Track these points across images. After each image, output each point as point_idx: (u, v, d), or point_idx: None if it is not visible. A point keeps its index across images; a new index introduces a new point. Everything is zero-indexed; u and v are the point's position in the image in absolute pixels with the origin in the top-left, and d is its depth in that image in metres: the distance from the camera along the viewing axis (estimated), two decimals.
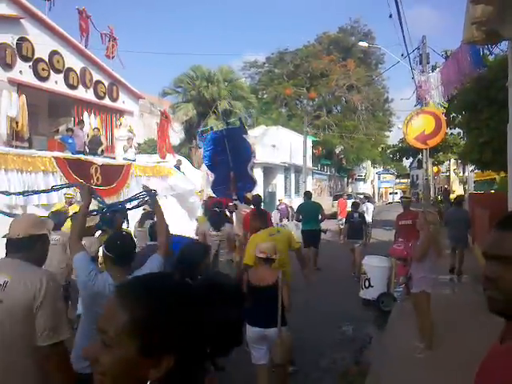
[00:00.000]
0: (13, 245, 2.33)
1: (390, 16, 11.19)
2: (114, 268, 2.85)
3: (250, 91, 29.63)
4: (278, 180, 27.49)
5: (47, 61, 13.91)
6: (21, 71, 13.01)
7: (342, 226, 14.15)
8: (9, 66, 12.55)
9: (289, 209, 19.55)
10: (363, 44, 27.32)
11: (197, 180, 17.60)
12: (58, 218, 6.19)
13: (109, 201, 11.05)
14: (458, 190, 26.89)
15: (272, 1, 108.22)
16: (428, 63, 15.13)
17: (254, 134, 21.53)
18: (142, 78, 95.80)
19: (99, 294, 2.71)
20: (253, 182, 9.96)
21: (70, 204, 9.10)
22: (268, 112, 38.40)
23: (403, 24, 10.97)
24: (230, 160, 9.05)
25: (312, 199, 11.56)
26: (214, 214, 6.67)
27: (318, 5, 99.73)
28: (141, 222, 7.45)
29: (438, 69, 12.31)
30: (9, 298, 2.11)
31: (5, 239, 2.42)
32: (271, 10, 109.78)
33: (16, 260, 2.27)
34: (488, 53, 8.63)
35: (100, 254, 4.75)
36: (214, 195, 9.64)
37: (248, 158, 9.60)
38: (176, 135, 23.54)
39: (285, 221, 18.21)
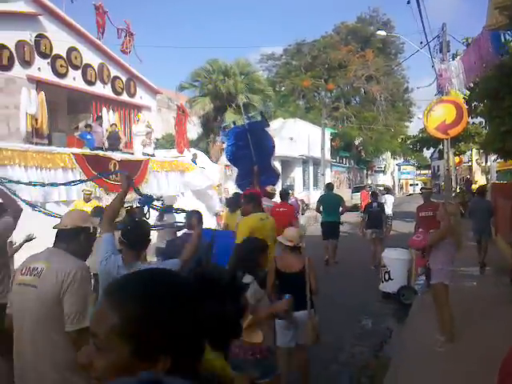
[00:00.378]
0: (60, 235, 2.55)
1: (408, 2, 10.97)
2: (127, 252, 3.01)
3: (268, 84, 29.42)
4: (297, 173, 27.34)
5: (65, 57, 14.06)
6: (39, 68, 13.17)
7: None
8: (27, 63, 12.72)
9: (299, 202, 19.36)
10: (381, 33, 26.81)
11: (214, 174, 17.63)
12: (99, 213, 6.24)
13: (128, 197, 11.22)
14: (480, 180, 26.32)
15: None
16: (448, 51, 14.74)
17: (271, 127, 21.40)
18: (159, 72, 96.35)
19: (109, 274, 2.84)
20: (276, 176, 10.02)
21: (89, 200, 9.19)
22: (286, 105, 38.18)
23: (422, 11, 10.73)
24: (253, 154, 9.11)
25: (332, 191, 11.44)
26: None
27: None
28: (160, 217, 7.54)
29: (458, 57, 11.99)
30: (42, 284, 2.32)
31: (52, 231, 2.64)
32: (288, 1, 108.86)
33: (59, 250, 2.49)
34: (510, 39, 8.32)
35: None
36: (238, 190, 9.68)
37: (271, 151, 9.65)
38: (194, 129, 23.59)
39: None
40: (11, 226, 3.87)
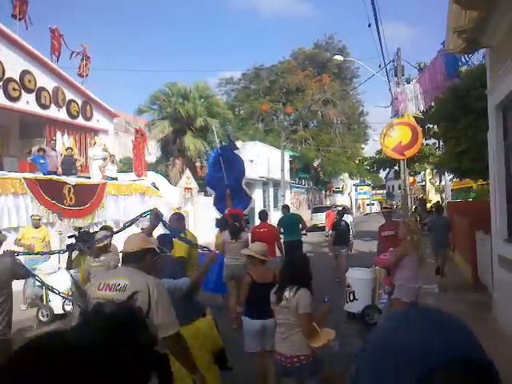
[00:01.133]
0: (128, 257, 2.80)
1: (369, 25, 11.37)
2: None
3: (227, 107, 29.61)
4: (257, 195, 27.33)
5: (18, 81, 13.57)
6: None
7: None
8: None
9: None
10: (339, 58, 27.55)
11: (174, 197, 17.37)
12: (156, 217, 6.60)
13: (84, 221, 10.80)
14: (434, 198, 27.24)
15: (247, 18, 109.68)
16: (403, 75, 15.32)
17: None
18: (117, 96, 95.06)
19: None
20: (248, 199, 10.17)
21: (37, 227, 8.75)
22: (245, 128, 38.50)
23: (381, 33, 11.12)
24: (225, 177, 9.44)
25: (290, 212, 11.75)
26: (233, 226, 7.64)
27: (293, 21, 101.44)
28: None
29: (413, 80, 12.45)
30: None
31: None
32: (246, 27, 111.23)
33: (132, 268, 2.73)
34: (462, 64, 8.72)
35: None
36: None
37: (242, 174, 9.86)
38: (153, 153, 23.27)
39: None
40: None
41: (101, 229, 6.64)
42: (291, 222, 10.72)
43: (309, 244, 17.26)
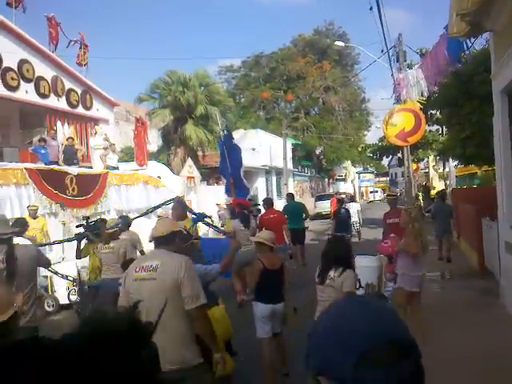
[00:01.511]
0: (158, 241, 3.06)
1: (371, 8, 11.25)
2: None
3: (227, 95, 29.36)
4: (260, 183, 27.31)
5: (16, 70, 13.42)
6: None
7: None
8: None
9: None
10: (339, 43, 27.21)
11: (177, 187, 17.30)
12: (126, 220, 7.04)
13: (86, 211, 10.75)
14: (438, 185, 27.10)
15: (245, 4, 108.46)
16: (405, 61, 15.10)
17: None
18: (117, 85, 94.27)
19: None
20: (247, 189, 10.40)
21: (35, 217, 8.72)
22: (246, 116, 38.28)
23: (382, 17, 10.96)
24: (228, 166, 9.63)
25: (294, 200, 12.24)
26: (243, 213, 7.94)
27: (292, 7, 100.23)
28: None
29: (415, 66, 12.29)
30: (160, 276, 2.86)
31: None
32: (246, 13, 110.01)
33: (162, 250, 3.02)
34: (465, 49, 8.57)
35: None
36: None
37: (239, 164, 9.99)
38: (154, 142, 23.15)
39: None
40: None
41: (119, 217, 7.13)
42: (295, 210, 11.14)
43: (313, 232, 17.25)
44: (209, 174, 22.87)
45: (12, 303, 2.01)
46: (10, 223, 5.14)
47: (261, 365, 4.54)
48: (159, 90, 24.28)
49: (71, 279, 6.85)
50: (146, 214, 5.56)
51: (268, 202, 9.81)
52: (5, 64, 12.96)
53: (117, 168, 14.09)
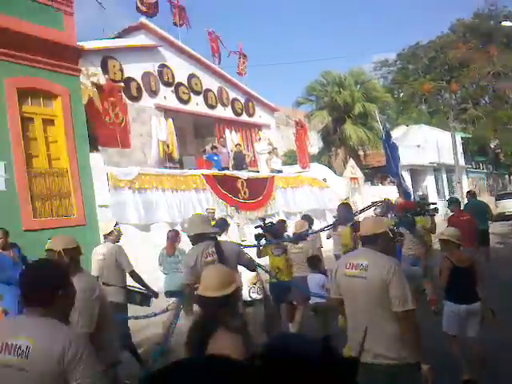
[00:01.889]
0: (364, 239, 3.11)
1: None
2: None
3: (385, 91, 27.94)
4: (429, 182, 25.56)
5: (186, 84, 14.35)
6: (165, 97, 13.56)
7: None
8: (154, 93, 13.14)
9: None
10: (507, 24, 23.70)
11: (340, 188, 16.76)
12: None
13: (258, 213, 10.84)
14: None
15: None
16: None
17: (394, 136, 20.16)
18: (275, 90, 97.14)
19: None
20: (408, 190, 9.63)
21: (213, 219, 8.87)
22: (407, 111, 36.46)
23: None
24: (392, 166, 8.94)
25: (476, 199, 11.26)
26: (406, 217, 7.47)
27: None
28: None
29: None
30: (370, 276, 2.85)
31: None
32: (395, 6, 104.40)
33: (368, 249, 3.01)
34: None
35: None
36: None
37: (398, 161, 9.27)
38: (314, 144, 23.06)
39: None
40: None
41: (302, 218, 7.28)
42: (479, 209, 10.13)
43: (495, 235, 15.09)
44: (372, 174, 21.90)
45: (234, 280, 2.44)
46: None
47: None
48: (316, 92, 24.22)
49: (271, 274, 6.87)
50: (358, 213, 5.66)
51: (455, 202, 9.18)
52: (177, 80, 13.96)
53: (281, 171, 14.20)
